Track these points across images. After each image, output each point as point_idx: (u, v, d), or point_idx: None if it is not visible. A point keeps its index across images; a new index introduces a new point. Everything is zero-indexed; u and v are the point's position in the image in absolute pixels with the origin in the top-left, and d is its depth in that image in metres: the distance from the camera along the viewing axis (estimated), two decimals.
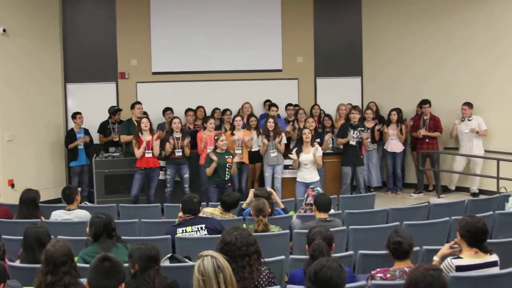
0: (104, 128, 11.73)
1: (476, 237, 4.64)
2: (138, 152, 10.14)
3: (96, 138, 11.80)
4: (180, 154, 10.33)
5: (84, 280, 4.11)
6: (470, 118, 11.29)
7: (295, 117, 12.00)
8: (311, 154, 9.65)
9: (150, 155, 10.21)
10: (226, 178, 9.60)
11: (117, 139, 11.54)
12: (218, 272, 3.50)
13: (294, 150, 9.90)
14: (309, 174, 9.71)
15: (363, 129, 10.84)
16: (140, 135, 10.14)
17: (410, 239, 4.63)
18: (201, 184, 10.66)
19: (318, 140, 10.54)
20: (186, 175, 10.37)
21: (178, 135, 10.37)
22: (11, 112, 10.94)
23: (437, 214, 7.62)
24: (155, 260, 4.28)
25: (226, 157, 9.58)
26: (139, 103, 11.31)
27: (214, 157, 9.40)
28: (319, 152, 9.74)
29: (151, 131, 10.38)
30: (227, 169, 9.55)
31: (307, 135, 9.76)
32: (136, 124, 10.43)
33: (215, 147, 9.63)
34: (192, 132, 10.91)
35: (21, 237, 5.12)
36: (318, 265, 3.63)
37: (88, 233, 5.36)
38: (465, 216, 4.91)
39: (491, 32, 11.27)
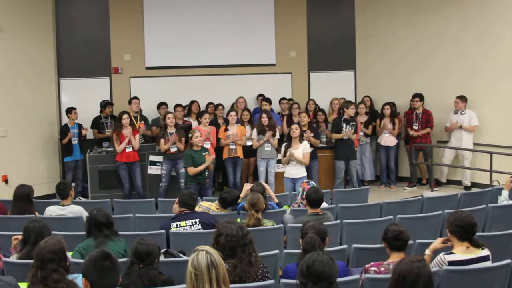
0: (97, 123, 11.71)
1: (466, 231, 4.69)
2: (119, 147, 10.30)
3: (89, 133, 11.76)
4: (175, 149, 10.34)
5: (74, 277, 4.13)
6: (463, 112, 11.32)
7: (289, 111, 12.02)
8: (299, 150, 9.56)
9: (131, 149, 10.37)
10: (206, 175, 9.58)
11: (109, 133, 11.55)
12: (211, 268, 3.50)
13: (283, 146, 9.80)
14: (295, 170, 9.56)
15: (354, 123, 10.84)
16: (121, 130, 10.31)
17: (407, 232, 4.71)
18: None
19: (311, 134, 10.54)
20: (182, 170, 10.33)
21: (172, 130, 10.37)
22: (4, 108, 10.93)
23: (430, 207, 7.66)
24: (141, 256, 4.29)
25: (204, 154, 9.51)
26: (136, 98, 11.38)
27: (210, 158, 9.45)
28: (307, 149, 9.66)
29: (132, 126, 10.55)
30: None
31: (294, 130, 9.65)
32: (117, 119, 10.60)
33: (191, 145, 9.55)
34: (185, 127, 10.90)
35: (16, 233, 5.13)
36: (310, 259, 3.68)
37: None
38: (452, 212, 4.97)
39: (483, 24, 11.30)
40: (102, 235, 5.28)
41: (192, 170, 9.32)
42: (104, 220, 5.33)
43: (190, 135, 9.57)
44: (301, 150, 9.55)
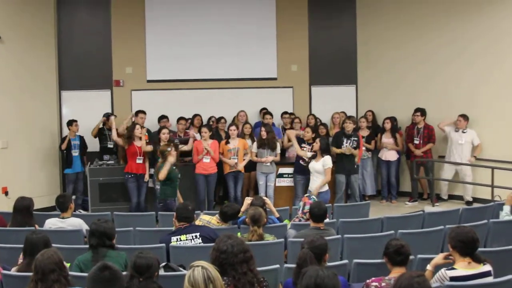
0: (100, 134, 11.65)
1: (468, 246, 4.68)
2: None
3: (90, 145, 11.77)
4: None
5: None
6: (465, 131, 11.28)
7: (291, 125, 12.02)
8: (319, 163, 9.62)
9: (141, 161, 10.30)
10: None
11: (111, 145, 11.51)
12: (208, 283, 3.48)
13: (309, 152, 10.14)
14: (313, 183, 9.67)
15: (356, 138, 10.81)
16: (132, 141, 10.28)
17: (408, 247, 4.69)
18: (199, 194, 10.62)
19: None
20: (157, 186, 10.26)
21: None
22: (5, 120, 10.92)
23: (431, 222, 7.63)
24: (140, 269, 4.25)
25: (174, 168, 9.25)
26: (143, 112, 11.31)
27: None
28: (327, 164, 9.63)
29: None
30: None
31: (314, 144, 9.88)
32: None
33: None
34: (184, 140, 10.86)
35: (15, 245, 5.10)
36: (319, 278, 3.61)
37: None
38: (454, 227, 4.96)
39: (486, 40, 11.30)
40: (95, 246, 5.18)
41: (163, 174, 8.96)
42: (97, 231, 5.20)
43: (165, 151, 9.11)
44: (321, 164, 9.58)
